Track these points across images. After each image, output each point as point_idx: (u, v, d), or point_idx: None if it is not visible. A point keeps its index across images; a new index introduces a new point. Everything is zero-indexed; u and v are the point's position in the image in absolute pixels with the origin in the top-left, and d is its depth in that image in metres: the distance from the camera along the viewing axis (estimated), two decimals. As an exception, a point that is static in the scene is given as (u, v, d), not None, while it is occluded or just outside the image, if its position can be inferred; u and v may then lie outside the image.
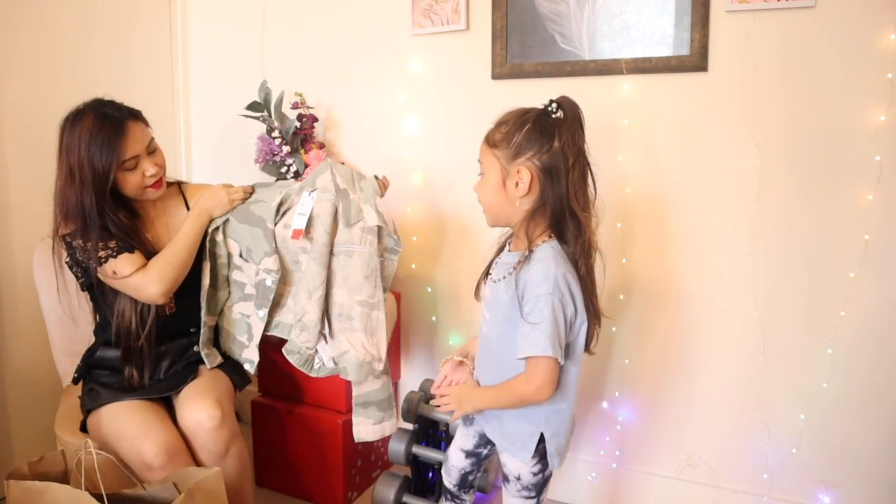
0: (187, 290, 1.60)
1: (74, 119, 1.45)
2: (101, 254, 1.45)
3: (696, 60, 1.67)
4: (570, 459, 1.97)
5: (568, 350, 1.21)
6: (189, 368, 1.61)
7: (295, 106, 2.07)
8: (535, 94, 1.86)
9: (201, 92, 2.45)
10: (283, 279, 1.65)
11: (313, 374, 1.62)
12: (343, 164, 2.12)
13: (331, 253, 1.56)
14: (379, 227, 1.55)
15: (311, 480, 1.94)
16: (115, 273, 1.47)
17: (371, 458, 2.05)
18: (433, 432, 1.83)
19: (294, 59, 2.22)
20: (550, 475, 1.35)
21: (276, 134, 2.04)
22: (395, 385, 2.22)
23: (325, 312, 1.57)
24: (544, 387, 1.16)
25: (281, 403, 1.97)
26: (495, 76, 1.90)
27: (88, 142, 1.41)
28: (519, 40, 1.86)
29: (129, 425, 1.44)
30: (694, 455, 1.83)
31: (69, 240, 1.49)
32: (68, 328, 1.78)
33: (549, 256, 1.17)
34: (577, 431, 1.96)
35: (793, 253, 1.66)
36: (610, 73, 1.76)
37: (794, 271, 1.67)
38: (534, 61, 1.85)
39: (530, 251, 1.19)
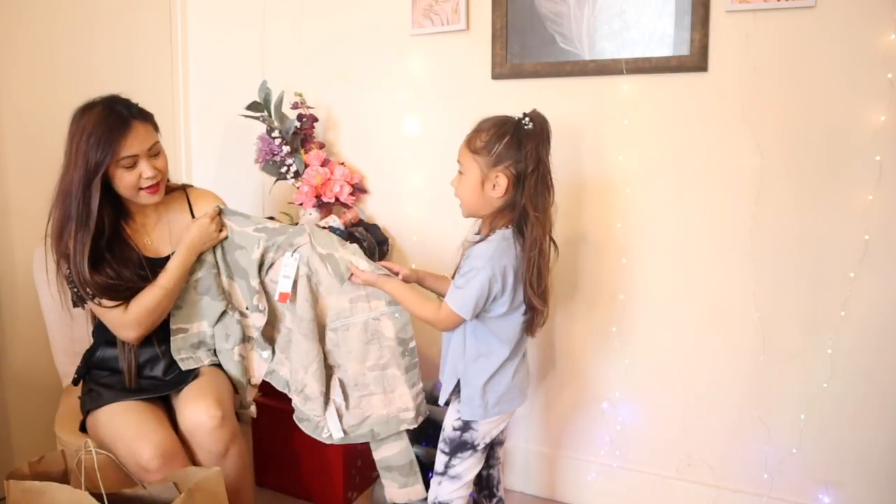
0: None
1: (84, 109, 1.46)
2: (89, 290, 1.47)
3: (696, 60, 1.67)
4: (571, 459, 1.97)
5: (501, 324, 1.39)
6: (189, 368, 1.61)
7: (295, 106, 2.07)
8: (535, 94, 1.89)
9: (201, 92, 2.45)
10: (271, 321, 1.64)
11: (327, 442, 1.59)
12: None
13: (324, 326, 1.56)
14: (367, 292, 1.53)
15: (311, 480, 1.93)
16: (99, 304, 1.49)
17: (371, 458, 2.05)
18: (433, 432, 1.83)
19: (294, 59, 2.22)
20: (471, 445, 1.42)
21: (276, 134, 2.04)
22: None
23: (331, 381, 1.57)
24: (443, 323, 1.39)
25: (281, 403, 1.97)
26: (495, 76, 1.90)
27: (90, 132, 1.42)
28: (519, 40, 1.86)
29: (127, 427, 1.44)
30: (694, 455, 1.83)
31: (60, 264, 1.49)
32: (68, 328, 1.77)
33: (498, 241, 1.34)
34: (578, 431, 1.96)
35: (793, 253, 1.66)
36: (610, 73, 1.77)
37: (794, 271, 1.67)
38: (534, 61, 1.85)
39: (488, 235, 1.37)
